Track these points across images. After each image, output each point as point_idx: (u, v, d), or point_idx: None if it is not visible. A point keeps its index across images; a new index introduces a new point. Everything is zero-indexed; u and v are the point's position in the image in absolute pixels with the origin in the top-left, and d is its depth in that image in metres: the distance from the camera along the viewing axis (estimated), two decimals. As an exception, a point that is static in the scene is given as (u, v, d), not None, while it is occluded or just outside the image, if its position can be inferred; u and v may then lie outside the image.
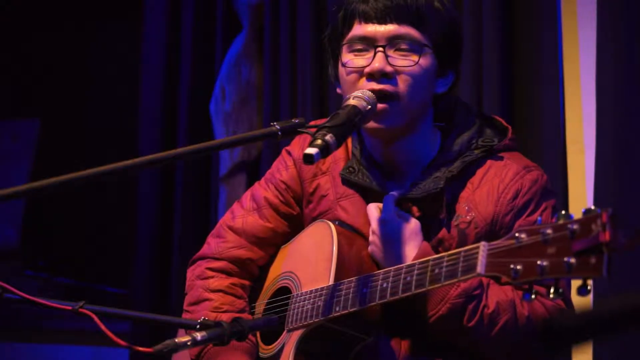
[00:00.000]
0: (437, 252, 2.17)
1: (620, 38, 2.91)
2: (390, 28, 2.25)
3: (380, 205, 2.27)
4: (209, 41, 4.29)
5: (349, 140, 2.39)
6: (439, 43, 2.28)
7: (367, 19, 2.27)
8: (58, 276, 4.73)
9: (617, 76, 2.91)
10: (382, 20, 2.25)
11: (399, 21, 2.25)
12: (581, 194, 3.15)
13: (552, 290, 1.74)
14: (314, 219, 2.37)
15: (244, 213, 2.46)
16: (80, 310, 1.90)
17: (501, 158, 2.30)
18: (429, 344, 2.22)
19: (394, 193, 2.26)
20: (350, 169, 2.35)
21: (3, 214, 4.66)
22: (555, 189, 2.36)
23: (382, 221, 2.24)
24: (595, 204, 2.93)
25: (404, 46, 2.25)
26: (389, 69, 2.24)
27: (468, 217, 2.24)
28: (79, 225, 4.91)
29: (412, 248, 2.19)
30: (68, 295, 4.57)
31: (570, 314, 1.66)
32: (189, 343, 1.86)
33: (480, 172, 2.28)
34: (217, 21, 4.28)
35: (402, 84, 2.24)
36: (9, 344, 4.82)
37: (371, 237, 2.26)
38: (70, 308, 1.90)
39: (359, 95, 2.18)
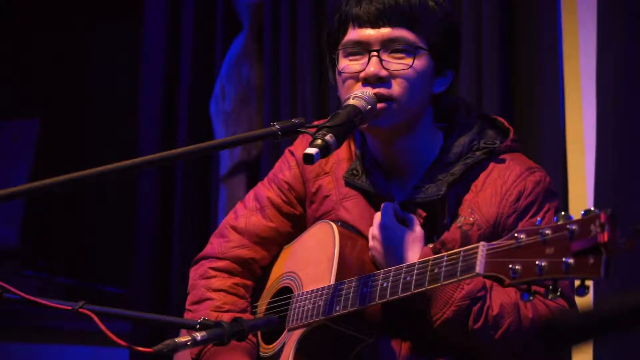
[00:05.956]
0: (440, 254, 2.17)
1: (620, 38, 2.91)
2: (383, 31, 2.24)
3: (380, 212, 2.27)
4: (209, 41, 4.29)
5: (352, 141, 2.39)
6: (435, 43, 2.26)
7: (361, 23, 2.26)
8: (58, 276, 4.73)
9: (617, 76, 2.90)
10: (375, 24, 2.24)
11: (392, 24, 2.24)
12: (581, 194, 3.14)
13: (550, 290, 1.74)
14: (317, 219, 2.37)
15: (247, 213, 2.46)
16: (80, 310, 1.89)
17: (503, 160, 2.29)
18: (430, 345, 2.22)
19: (393, 202, 2.26)
20: (354, 171, 2.34)
21: (3, 214, 4.66)
22: (555, 189, 2.36)
23: (383, 226, 2.24)
24: (595, 203, 2.93)
25: (398, 49, 2.24)
26: (383, 73, 2.23)
27: (471, 219, 2.24)
28: (79, 225, 4.90)
29: (413, 253, 2.19)
30: (68, 295, 4.57)
31: (571, 313, 1.66)
32: (189, 343, 1.86)
33: (483, 174, 2.27)
34: (217, 21, 4.28)
35: (398, 87, 2.23)
36: (9, 344, 4.81)
37: (371, 243, 2.26)
38: (70, 308, 1.90)
39: (359, 95, 2.18)
